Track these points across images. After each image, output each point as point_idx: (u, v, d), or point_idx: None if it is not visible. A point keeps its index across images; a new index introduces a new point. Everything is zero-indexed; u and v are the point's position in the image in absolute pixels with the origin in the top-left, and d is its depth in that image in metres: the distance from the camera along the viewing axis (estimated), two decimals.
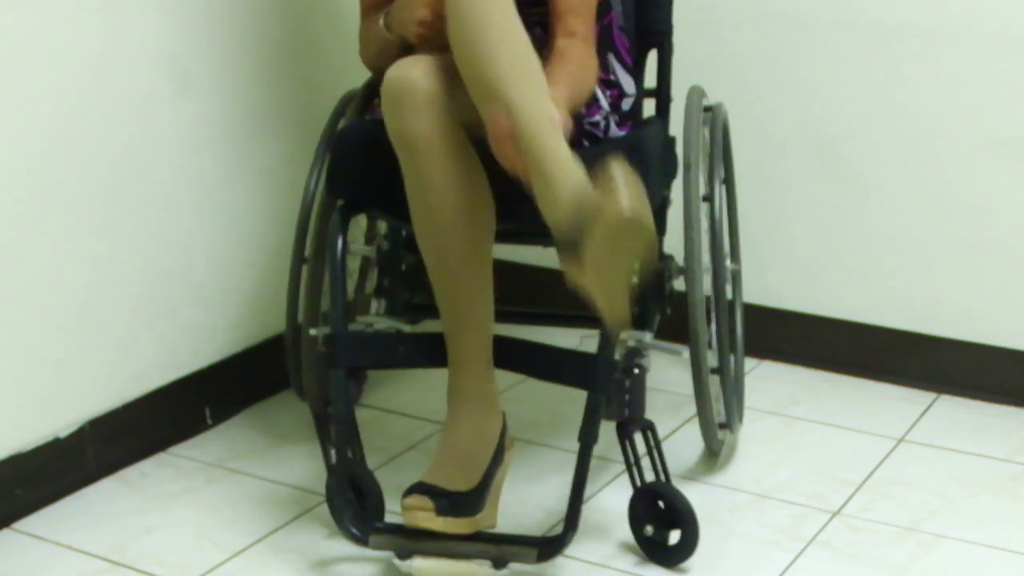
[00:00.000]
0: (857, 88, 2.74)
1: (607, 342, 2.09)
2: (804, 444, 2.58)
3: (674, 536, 2.17)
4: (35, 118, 2.22)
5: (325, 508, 2.32)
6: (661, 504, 2.17)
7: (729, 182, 2.61)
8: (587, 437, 2.06)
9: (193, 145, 2.51)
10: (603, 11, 2.37)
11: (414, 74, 2.05)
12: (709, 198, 2.39)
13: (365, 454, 2.23)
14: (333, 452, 2.15)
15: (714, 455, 2.50)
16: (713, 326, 2.46)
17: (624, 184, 1.85)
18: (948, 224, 2.73)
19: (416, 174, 2.07)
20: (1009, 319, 2.71)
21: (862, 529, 2.29)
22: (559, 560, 2.17)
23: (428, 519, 2.03)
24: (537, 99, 1.94)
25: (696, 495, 2.38)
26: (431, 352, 2.18)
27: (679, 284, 2.61)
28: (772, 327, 2.88)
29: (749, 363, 2.85)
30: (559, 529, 2.24)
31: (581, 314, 2.50)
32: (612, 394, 2.11)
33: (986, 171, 2.67)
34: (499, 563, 2.04)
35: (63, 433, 2.36)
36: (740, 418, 2.57)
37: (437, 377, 2.75)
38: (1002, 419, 2.68)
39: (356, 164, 2.22)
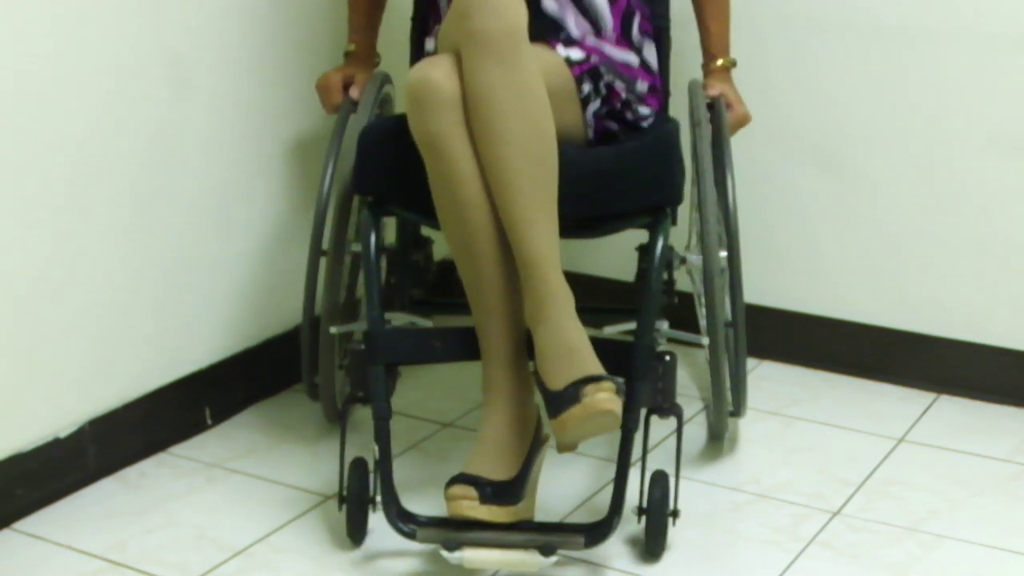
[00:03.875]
0: (858, 87, 2.74)
1: (645, 329, 2.11)
2: (804, 444, 2.58)
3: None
4: (39, 122, 2.22)
5: (325, 508, 2.32)
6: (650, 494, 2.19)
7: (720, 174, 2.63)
8: (628, 423, 2.08)
9: (194, 146, 2.51)
10: None
11: (435, 75, 2.07)
12: (720, 191, 2.40)
13: (368, 451, 2.23)
14: (376, 449, 2.15)
15: (718, 440, 2.50)
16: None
17: (607, 401, 1.98)
18: (948, 224, 2.73)
19: (440, 173, 2.10)
20: (1009, 319, 2.71)
21: (862, 529, 2.29)
22: (559, 559, 2.17)
23: (472, 508, 2.05)
24: (557, 283, 2.07)
25: (696, 495, 2.38)
26: (466, 345, 2.18)
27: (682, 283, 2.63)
28: (772, 327, 2.88)
29: (749, 363, 2.84)
30: (572, 519, 2.25)
31: (610, 307, 2.52)
32: (648, 380, 2.13)
33: (987, 171, 2.67)
34: (547, 550, 2.05)
35: (63, 433, 2.36)
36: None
37: (437, 378, 2.76)
38: (1002, 419, 2.68)
39: (383, 161, 2.23)
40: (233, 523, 2.29)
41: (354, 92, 2.48)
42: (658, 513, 2.15)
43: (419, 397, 2.74)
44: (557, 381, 2.01)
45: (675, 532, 2.23)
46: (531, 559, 2.05)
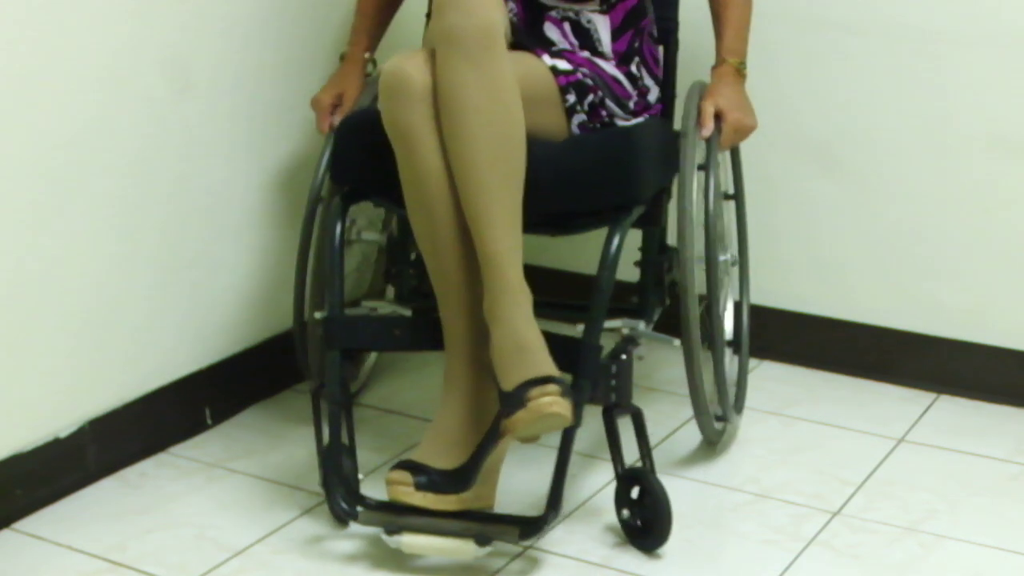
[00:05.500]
0: (859, 87, 2.74)
1: (593, 327, 2.13)
2: (804, 444, 2.58)
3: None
4: (40, 120, 2.22)
5: (325, 508, 2.32)
6: (638, 489, 2.20)
7: (736, 180, 2.63)
8: (572, 420, 2.09)
9: (194, 146, 2.50)
10: (640, 15, 2.39)
11: (409, 68, 2.11)
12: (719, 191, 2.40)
13: (367, 450, 2.24)
14: (327, 433, 2.18)
15: (711, 444, 2.50)
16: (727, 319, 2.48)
17: (551, 404, 2.00)
18: (949, 224, 2.73)
19: (410, 165, 2.13)
20: (1009, 319, 2.71)
21: (862, 529, 2.29)
22: (559, 560, 2.17)
23: (408, 494, 2.10)
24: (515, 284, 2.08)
25: (696, 495, 2.38)
26: (428, 336, 2.22)
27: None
28: (772, 327, 2.88)
29: (749, 363, 2.85)
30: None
31: (584, 303, 2.51)
32: (598, 379, 2.14)
33: (987, 171, 2.67)
34: (482, 540, 2.08)
35: (63, 433, 2.36)
36: (740, 411, 2.59)
37: (436, 378, 2.76)
38: (1002, 419, 2.68)
39: (359, 152, 2.25)
40: (233, 523, 2.29)
41: (336, 119, 2.44)
42: (656, 513, 2.16)
43: (418, 397, 2.75)
44: (508, 381, 2.04)
45: (675, 532, 2.23)
46: (466, 548, 2.08)
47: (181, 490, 2.40)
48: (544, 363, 2.05)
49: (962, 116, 2.67)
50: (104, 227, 2.37)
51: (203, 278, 2.58)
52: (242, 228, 2.64)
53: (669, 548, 2.21)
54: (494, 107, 2.07)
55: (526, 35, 2.34)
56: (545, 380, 2.02)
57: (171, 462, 2.50)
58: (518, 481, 2.35)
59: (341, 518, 2.19)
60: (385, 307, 2.59)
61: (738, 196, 2.65)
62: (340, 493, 2.16)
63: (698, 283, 2.58)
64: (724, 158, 2.56)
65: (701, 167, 2.38)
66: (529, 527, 2.10)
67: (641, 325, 2.35)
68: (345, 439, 2.22)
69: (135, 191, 2.41)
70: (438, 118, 2.10)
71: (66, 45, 2.25)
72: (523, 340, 2.05)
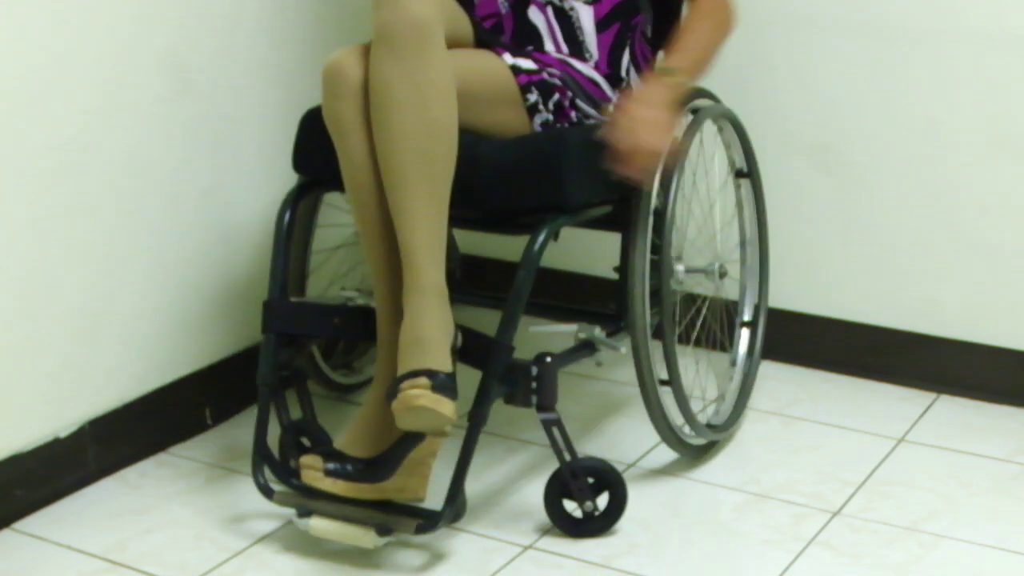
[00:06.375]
0: (858, 87, 2.74)
1: (505, 327, 2.14)
2: (804, 444, 2.58)
3: (602, 501, 2.23)
4: (39, 120, 2.22)
5: None
6: (581, 477, 2.21)
7: (747, 155, 2.60)
8: (475, 418, 2.11)
9: (193, 145, 2.50)
10: (630, 12, 2.39)
11: (345, 62, 2.14)
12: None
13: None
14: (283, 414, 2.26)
15: (687, 457, 2.48)
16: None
17: (417, 397, 2.00)
18: (948, 224, 2.73)
19: (344, 157, 2.17)
20: (1009, 319, 2.71)
21: (862, 529, 2.29)
22: (559, 560, 2.17)
23: (316, 478, 2.13)
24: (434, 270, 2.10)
25: (696, 495, 2.38)
26: (363, 326, 2.26)
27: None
28: (772, 327, 2.87)
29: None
30: (525, 522, 2.27)
31: (575, 307, 2.51)
32: (517, 381, 2.15)
33: (986, 171, 2.67)
34: (383, 530, 2.11)
35: (63, 433, 2.36)
36: (733, 423, 2.57)
37: None
38: (1002, 419, 2.68)
39: (319, 143, 2.27)
40: (233, 523, 2.29)
41: None
42: (605, 478, 2.22)
43: None
44: (399, 371, 2.06)
45: (675, 532, 2.24)
46: (367, 536, 2.11)
47: (181, 490, 2.40)
48: (433, 357, 2.05)
49: (961, 115, 2.67)
50: (103, 226, 2.37)
51: (203, 278, 2.58)
52: (241, 228, 2.64)
53: (669, 548, 2.21)
54: (419, 103, 2.08)
55: (489, 32, 2.35)
56: (421, 373, 2.02)
57: (171, 462, 2.50)
58: (481, 481, 2.37)
59: (264, 492, 2.23)
60: (362, 298, 2.60)
61: (752, 173, 2.60)
62: (262, 472, 2.21)
63: (705, 288, 2.60)
64: (732, 137, 2.54)
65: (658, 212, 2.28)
66: (426, 522, 2.12)
67: (596, 330, 2.30)
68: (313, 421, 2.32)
69: (134, 191, 2.41)
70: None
71: (66, 45, 2.25)
72: (422, 333, 2.06)
